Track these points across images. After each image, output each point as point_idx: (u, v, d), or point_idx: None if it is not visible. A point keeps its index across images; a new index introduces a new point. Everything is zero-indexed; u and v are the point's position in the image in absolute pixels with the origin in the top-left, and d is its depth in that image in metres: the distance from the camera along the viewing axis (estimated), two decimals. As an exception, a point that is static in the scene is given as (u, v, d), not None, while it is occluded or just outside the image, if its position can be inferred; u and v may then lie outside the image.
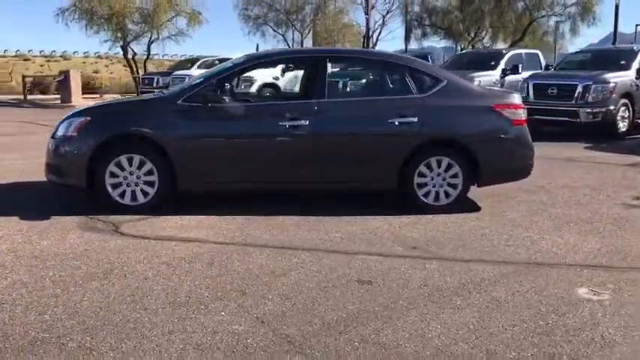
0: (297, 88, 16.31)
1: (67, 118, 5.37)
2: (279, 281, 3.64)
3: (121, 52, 30.05)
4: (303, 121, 5.24)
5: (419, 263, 4.06)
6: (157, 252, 4.17)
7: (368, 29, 30.56)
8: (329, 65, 5.44)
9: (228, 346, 2.78)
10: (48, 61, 51.20)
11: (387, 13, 37.30)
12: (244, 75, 16.90)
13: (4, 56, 49.45)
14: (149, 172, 5.20)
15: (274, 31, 35.10)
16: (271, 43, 34.96)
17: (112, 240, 4.46)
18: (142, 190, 5.23)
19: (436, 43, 33.18)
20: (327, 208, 5.45)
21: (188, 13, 29.22)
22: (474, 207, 5.69)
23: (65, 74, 24.58)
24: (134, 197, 5.23)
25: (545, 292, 3.55)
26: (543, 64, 15.57)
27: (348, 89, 6.16)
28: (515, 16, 26.26)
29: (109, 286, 3.50)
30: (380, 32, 38.40)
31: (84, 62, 50.92)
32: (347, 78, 6.64)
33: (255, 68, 6.02)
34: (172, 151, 5.16)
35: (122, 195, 5.22)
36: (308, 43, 35.77)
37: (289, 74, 18.99)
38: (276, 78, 18.95)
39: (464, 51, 21.33)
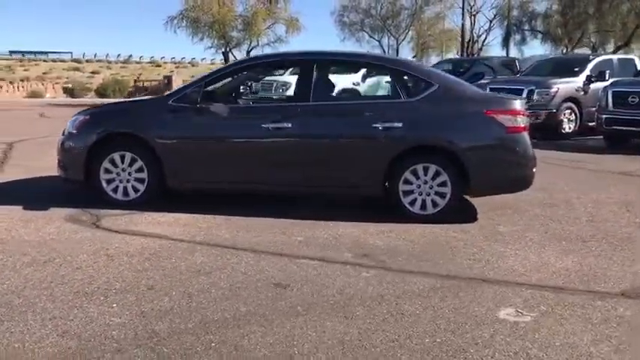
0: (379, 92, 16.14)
1: (74, 116, 5.76)
2: (196, 279, 3.68)
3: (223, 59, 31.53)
4: (286, 124, 5.25)
5: (355, 271, 3.93)
6: (111, 245, 4.36)
7: (464, 34, 29.64)
8: (315, 68, 5.39)
9: (91, 335, 2.87)
10: (177, 66, 54.87)
11: (495, 17, 36.10)
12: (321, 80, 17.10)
13: (140, 62, 53.69)
14: (140, 170, 5.45)
15: (370, 37, 35.16)
16: (366, 50, 34.96)
17: (82, 232, 4.73)
18: (133, 186, 5.49)
19: (536, 49, 31.75)
20: (317, 212, 5.38)
21: (286, 20, 30.02)
22: (470, 218, 5.40)
23: (168, 79, 26.23)
24: (126, 193, 5.50)
25: (464, 310, 3.31)
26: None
27: (335, 93, 6.07)
28: (620, 19, 24.32)
29: (38, 273, 3.72)
30: (486, 37, 37.23)
31: (209, 68, 54.13)
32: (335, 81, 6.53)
33: (242, 71, 6.06)
34: (160, 149, 5.36)
35: (115, 190, 5.50)
36: (404, 50, 35.49)
37: (371, 79, 18.91)
38: (357, 83, 18.91)
39: (549, 56, 20.08)
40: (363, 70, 18.54)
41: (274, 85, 17.16)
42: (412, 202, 5.23)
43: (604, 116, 11.42)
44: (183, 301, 3.33)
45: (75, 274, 3.72)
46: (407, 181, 5.21)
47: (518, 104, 5.25)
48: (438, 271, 3.97)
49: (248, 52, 30.76)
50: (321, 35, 56.70)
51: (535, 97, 12.89)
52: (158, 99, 5.82)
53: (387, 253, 4.33)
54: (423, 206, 5.23)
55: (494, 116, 5.11)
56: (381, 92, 5.99)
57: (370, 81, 18.53)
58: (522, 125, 5.18)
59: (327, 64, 5.75)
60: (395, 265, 4.09)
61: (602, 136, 12.06)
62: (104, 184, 5.49)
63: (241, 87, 6.36)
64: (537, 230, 5.09)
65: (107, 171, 5.47)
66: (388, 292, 3.55)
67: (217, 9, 28.62)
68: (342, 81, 18.38)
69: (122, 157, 5.45)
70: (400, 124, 5.14)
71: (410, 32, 34.91)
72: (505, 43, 29.06)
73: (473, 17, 34.58)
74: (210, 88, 5.48)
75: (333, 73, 6.45)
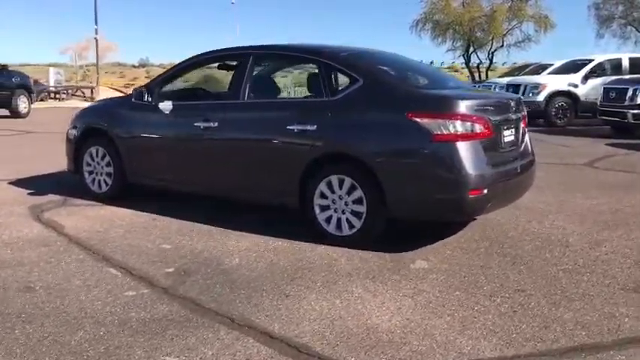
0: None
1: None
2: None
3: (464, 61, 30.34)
4: (212, 123, 4.90)
5: (128, 289, 3.48)
6: (5, 232, 4.64)
7: None
8: (249, 64, 4.85)
9: None
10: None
11: None
12: (532, 82, 15.41)
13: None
14: (108, 164, 5.66)
15: (637, 31, 29.53)
16: (629, 47, 29.53)
17: (13, 218, 5.09)
18: (104, 180, 5.73)
19: None
20: (256, 222, 4.92)
21: (534, 17, 27.51)
22: (407, 246, 4.29)
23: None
24: (100, 185, 5.77)
25: (120, 351, 2.70)
26: None
27: (268, 91, 5.33)
28: None
29: None
30: None
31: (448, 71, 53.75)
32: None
33: (192, 68, 5.62)
34: (119, 144, 5.50)
35: (93, 182, 5.82)
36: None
37: (593, 81, 16.29)
38: (574, 85, 16.42)
39: None
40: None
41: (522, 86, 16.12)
42: (328, 220, 4.40)
43: None
44: None
45: None
46: (323, 195, 4.40)
47: (458, 106, 3.98)
48: (206, 303, 3.28)
49: (490, 53, 29.07)
50: (576, 32, 49.02)
51: None
52: (127, 97, 5.93)
53: (214, 274, 3.74)
54: (339, 226, 4.35)
55: (417, 120, 3.97)
56: (310, 89, 5.14)
57: (595, 82, 16.12)
58: (457, 133, 3.92)
59: (260, 58, 5.15)
60: (189, 289, 3.50)
61: None
62: (86, 176, 5.84)
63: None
64: (463, 273, 3.81)
65: (87, 164, 5.82)
66: (105, 316, 3.09)
67: (458, 9, 27.64)
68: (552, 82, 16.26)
69: (97, 152, 5.73)
70: (314, 127, 4.36)
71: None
72: None
73: None
74: (164, 86, 5.42)
75: (269, 68, 5.73)
